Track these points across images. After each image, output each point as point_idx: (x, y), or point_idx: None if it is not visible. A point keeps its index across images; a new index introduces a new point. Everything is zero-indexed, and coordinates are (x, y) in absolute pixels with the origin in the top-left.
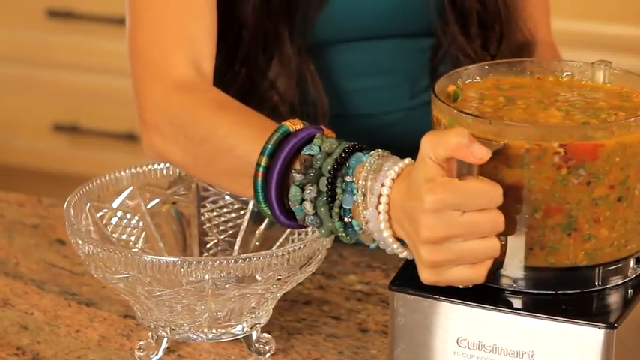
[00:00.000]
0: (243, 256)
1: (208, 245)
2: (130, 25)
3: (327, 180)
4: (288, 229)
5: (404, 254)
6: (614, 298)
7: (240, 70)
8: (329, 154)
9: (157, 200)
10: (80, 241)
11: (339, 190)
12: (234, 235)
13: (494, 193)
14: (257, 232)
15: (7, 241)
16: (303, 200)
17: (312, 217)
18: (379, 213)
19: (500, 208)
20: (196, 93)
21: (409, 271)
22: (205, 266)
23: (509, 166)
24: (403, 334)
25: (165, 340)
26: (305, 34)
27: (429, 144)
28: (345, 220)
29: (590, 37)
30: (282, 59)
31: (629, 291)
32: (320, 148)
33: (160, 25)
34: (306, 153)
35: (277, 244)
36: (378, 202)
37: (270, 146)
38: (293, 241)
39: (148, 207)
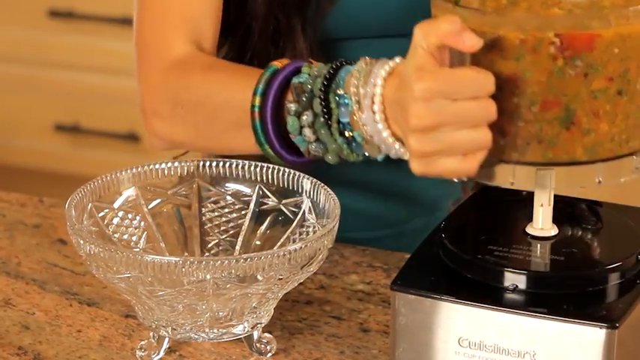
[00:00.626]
0: (244, 256)
1: (209, 245)
2: (136, 15)
3: (320, 98)
4: (289, 230)
5: (407, 155)
6: (615, 298)
7: (251, 63)
8: (318, 76)
9: (158, 200)
10: (81, 241)
11: (333, 106)
12: (236, 235)
13: (485, 80)
14: (258, 232)
15: (8, 241)
16: (302, 129)
17: (314, 144)
18: (374, 113)
19: (496, 101)
20: (188, 63)
21: (411, 271)
22: (207, 266)
23: (505, 59)
24: (404, 334)
25: (167, 340)
26: (317, 29)
27: (420, 32)
28: (346, 134)
29: None
30: (295, 53)
31: (631, 291)
32: (309, 74)
33: (161, 10)
34: (296, 81)
35: (279, 244)
36: (372, 103)
37: (260, 86)
38: (294, 241)
39: (150, 207)
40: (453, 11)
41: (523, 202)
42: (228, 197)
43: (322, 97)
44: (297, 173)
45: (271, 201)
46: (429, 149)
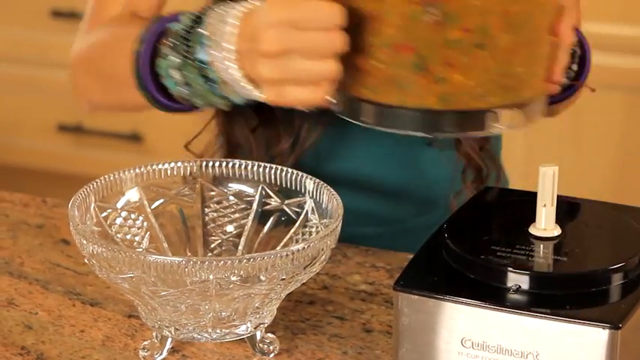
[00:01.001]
0: (247, 256)
1: (212, 245)
2: None
3: (184, 38)
4: (292, 230)
5: (256, 94)
6: (618, 298)
7: None
8: (188, 20)
9: (161, 200)
10: (84, 241)
11: (193, 45)
12: (239, 236)
13: (333, 12)
14: (261, 232)
15: (11, 241)
16: (170, 70)
17: (183, 87)
18: (225, 51)
19: (355, 38)
20: (108, 23)
21: (413, 272)
22: (210, 266)
23: None
24: (407, 335)
25: (170, 340)
26: None
27: None
28: (206, 74)
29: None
30: None
31: (634, 291)
32: (184, 19)
33: None
34: (171, 26)
35: (281, 244)
36: (223, 40)
37: (144, 31)
38: (297, 242)
39: (152, 207)
40: None
41: (526, 202)
42: (231, 197)
43: (187, 37)
44: (300, 173)
45: (274, 201)
46: (277, 76)
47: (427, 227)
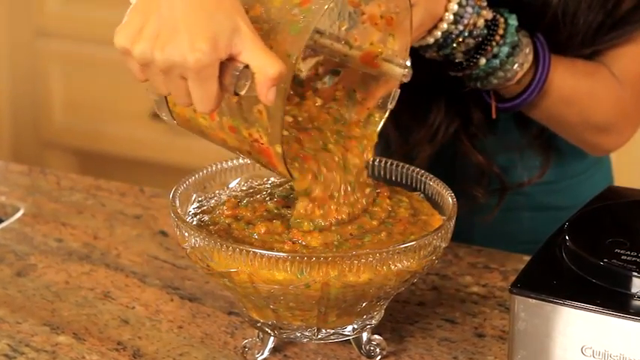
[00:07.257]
0: (356, 252)
1: None
2: None
3: None
4: None
5: None
6: None
7: None
8: None
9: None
10: (186, 234)
11: None
12: None
13: (211, 101)
14: None
15: (108, 231)
16: None
17: None
18: None
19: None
20: None
21: (531, 274)
22: (316, 262)
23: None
24: (523, 341)
25: (272, 339)
26: None
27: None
28: None
29: None
30: None
31: None
32: None
33: None
34: None
35: None
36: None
37: None
38: None
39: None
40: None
41: None
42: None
43: None
44: (415, 169)
45: None
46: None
47: None
